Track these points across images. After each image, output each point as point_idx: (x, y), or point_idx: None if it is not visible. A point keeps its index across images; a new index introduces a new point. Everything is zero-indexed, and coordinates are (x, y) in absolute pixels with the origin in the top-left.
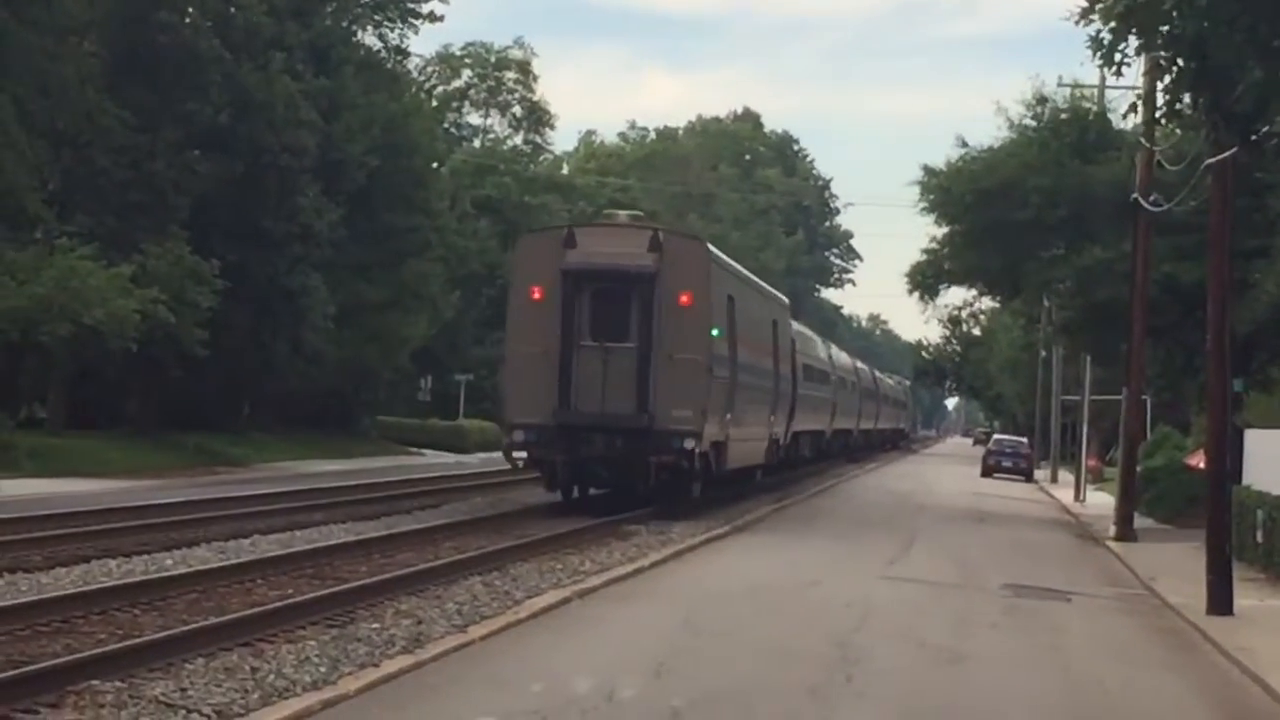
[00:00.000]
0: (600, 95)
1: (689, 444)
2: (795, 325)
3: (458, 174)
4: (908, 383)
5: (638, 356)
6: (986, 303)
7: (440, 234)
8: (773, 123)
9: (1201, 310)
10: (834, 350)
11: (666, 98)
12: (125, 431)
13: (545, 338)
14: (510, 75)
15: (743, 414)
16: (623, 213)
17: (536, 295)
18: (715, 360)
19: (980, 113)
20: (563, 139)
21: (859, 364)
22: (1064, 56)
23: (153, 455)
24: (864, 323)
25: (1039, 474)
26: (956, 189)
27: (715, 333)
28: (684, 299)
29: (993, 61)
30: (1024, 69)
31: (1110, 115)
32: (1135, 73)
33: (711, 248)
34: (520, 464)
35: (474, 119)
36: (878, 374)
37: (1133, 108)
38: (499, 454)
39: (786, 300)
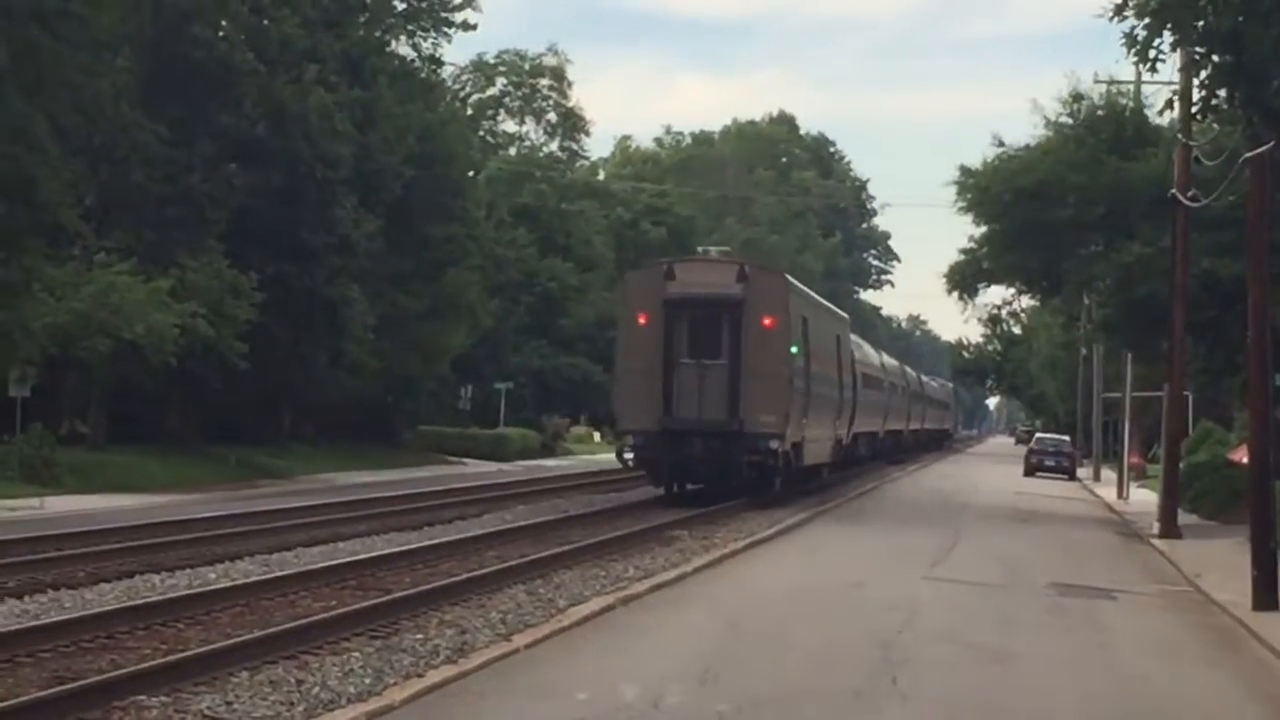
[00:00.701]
0: (635, 100)
1: (774, 444)
2: (854, 338)
3: (494, 182)
4: (950, 385)
5: (729, 371)
6: (1026, 301)
7: (478, 242)
8: (808, 125)
9: (1242, 305)
10: (885, 358)
11: (702, 101)
12: (166, 446)
13: (650, 357)
14: (544, 82)
15: (815, 419)
16: (714, 249)
17: (642, 321)
18: (794, 373)
19: (1016, 111)
20: (598, 145)
21: (907, 369)
22: (1099, 53)
23: (194, 469)
24: (903, 323)
25: (1081, 472)
26: (994, 188)
27: (794, 350)
28: (767, 322)
29: (1028, 60)
30: (1059, 67)
31: (1146, 111)
32: (1171, 68)
33: (789, 278)
34: (630, 464)
35: (509, 126)
36: (923, 378)
37: (1169, 104)
38: (540, 462)
39: (847, 317)
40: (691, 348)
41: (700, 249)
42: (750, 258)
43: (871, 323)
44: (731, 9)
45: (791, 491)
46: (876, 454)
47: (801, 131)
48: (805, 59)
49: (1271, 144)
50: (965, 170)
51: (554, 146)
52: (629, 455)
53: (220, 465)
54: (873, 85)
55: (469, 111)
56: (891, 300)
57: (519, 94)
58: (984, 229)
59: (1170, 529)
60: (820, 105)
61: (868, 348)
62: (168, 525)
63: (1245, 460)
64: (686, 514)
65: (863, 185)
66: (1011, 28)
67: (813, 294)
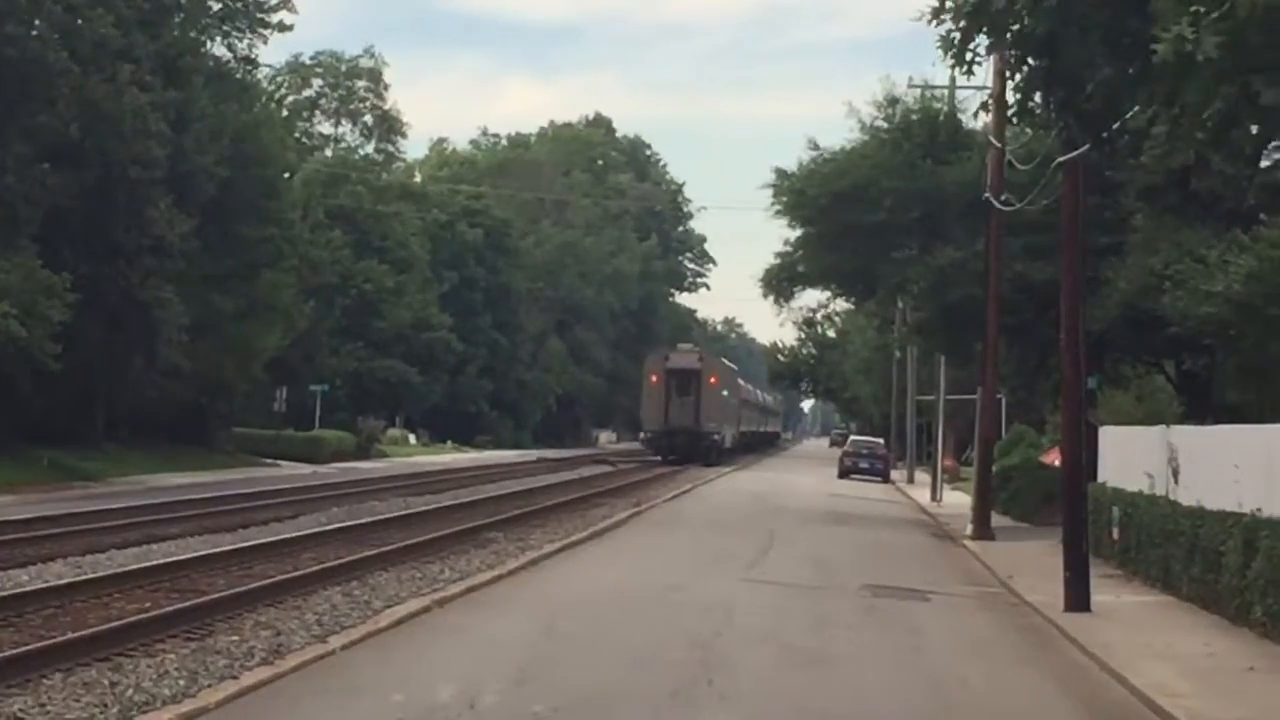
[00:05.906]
0: (461, 104)
1: (715, 437)
2: (740, 380)
3: (310, 184)
4: (781, 397)
5: (694, 403)
6: (841, 304)
7: (293, 244)
8: (633, 128)
9: (1054, 309)
10: (747, 385)
11: (530, 106)
12: None
13: (659, 395)
14: (361, 84)
15: (731, 424)
16: (686, 345)
17: (654, 379)
18: (724, 404)
19: (837, 115)
20: (416, 148)
21: (758, 390)
22: (920, 58)
23: (5, 471)
24: (719, 326)
25: (895, 474)
26: (810, 191)
27: (725, 393)
28: (713, 380)
29: (853, 65)
30: (882, 72)
31: (961, 115)
32: (986, 73)
33: (723, 359)
34: (645, 445)
35: (325, 128)
36: (764, 395)
37: (984, 106)
38: (355, 464)
39: (736, 368)
40: (678, 391)
41: (680, 345)
42: (706, 352)
43: (687, 326)
44: (563, 12)
45: (721, 460)
46: (748, 445)
47: (619, 134)
48: (636, 63)
49: (1085, 148)
50: (781, 173)
51: (370, 148)
52: (646, 442)
53: (32, 467)
54: (702, 90)
55: (284, 113)
56: (708, 303)
57: (335, 95)
58: (800, 232)
59: (983, 531)
60: (646, 109)
61: (743, 382)
62: None
63: (1058, 463)
64: (506, 516)
65: (679, 189)
66: (839, 34)
67: (728, 363)
